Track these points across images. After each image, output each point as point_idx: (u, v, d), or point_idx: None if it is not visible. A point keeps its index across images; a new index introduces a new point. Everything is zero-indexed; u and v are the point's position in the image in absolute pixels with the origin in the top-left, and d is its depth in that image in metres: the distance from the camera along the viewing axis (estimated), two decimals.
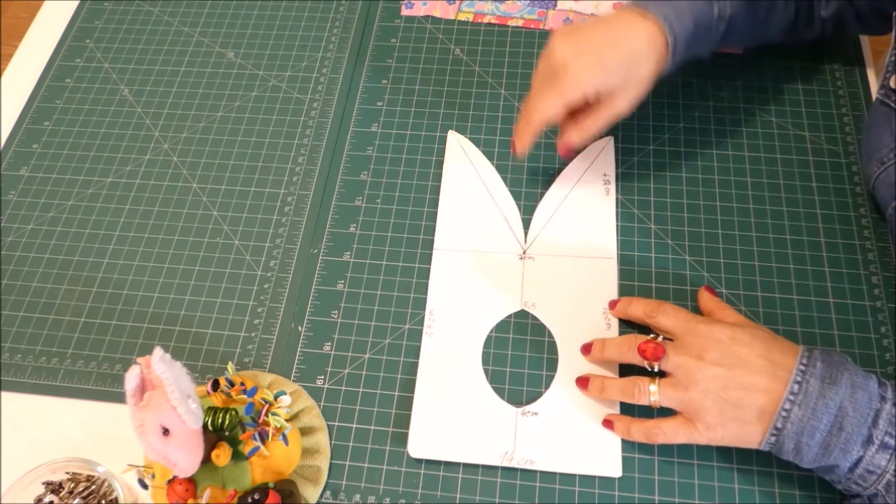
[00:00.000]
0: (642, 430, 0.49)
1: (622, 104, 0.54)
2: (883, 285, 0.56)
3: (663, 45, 0.53)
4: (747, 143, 0.64)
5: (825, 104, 0.65)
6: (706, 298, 0.55)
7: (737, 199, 0.61)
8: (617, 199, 0.61)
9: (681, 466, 0.51)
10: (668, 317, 0.51)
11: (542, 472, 0.51)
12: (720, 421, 0.46)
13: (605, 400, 0.52)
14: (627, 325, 0.56)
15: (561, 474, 0.51)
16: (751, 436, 0.46)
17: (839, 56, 0.68)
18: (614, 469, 0.50)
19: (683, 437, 0.47)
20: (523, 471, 0.51)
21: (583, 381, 0.53)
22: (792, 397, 0.44)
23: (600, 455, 0.51)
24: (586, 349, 0.55)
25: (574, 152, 0.58)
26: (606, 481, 0.51)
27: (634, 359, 0.50)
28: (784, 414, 0.44)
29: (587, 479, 0.51)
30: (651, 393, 0.48)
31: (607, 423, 0.52)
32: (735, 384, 0.46)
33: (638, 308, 0.54)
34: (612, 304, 0.56)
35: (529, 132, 0.55)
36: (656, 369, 0.49)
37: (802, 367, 0.45)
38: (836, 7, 0.59)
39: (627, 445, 0.51)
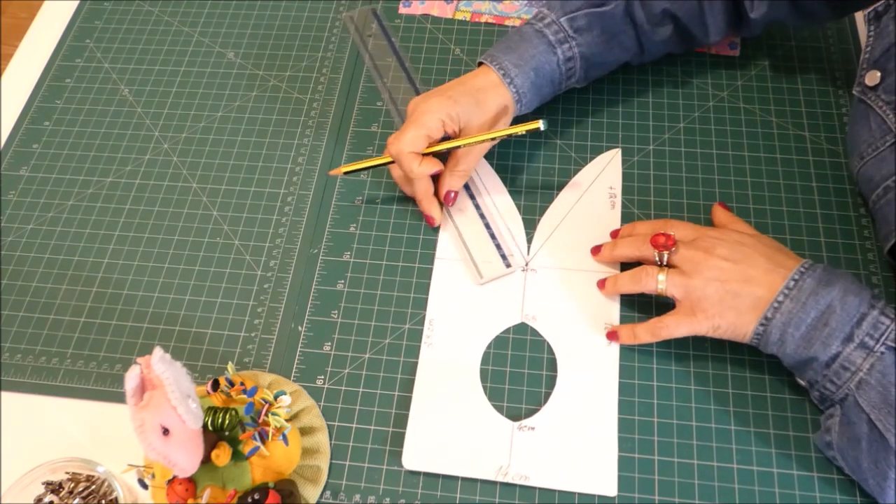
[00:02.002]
0: (647, 329, 0.52)
1: (476, 133, 0.57)
2: (883, 285, 0.56)
3: (507, 89, 0.58)
4: (747, 143, 0.64)
5: (825, 104, 0.65)
6: (720, 213, 0.58)
7: (737, 199, 0.61)
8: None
9: (681, 466, 0.51)
10: (678, 228, 0.54)
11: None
12: (719, 310, 0.49)
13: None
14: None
15: None
16: (744, 326, 0.49)
17: (839, 56, 0.68)
18: (610, 488, 0.50)
19: (686, 327, 0.50)
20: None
21: (601, 283, 0.57)
22: (786, 291, 0.48)
23: (596, 473, 0.50)
24: (596, 250, 0.58)
25: (456, 196, 0.60)
26: None
27: (647, 250, 0.53)
28: (776, 305, 0.47)
29: None
30: (659, 281, 0.51)
31: (612, 335, 0.54)
32: (737, 276, 0.49)
33: (646, 227, 0.56)
34: (615, 234, 0.59)
35: (415, 170, 0.56)
36: (665, 261, 0.52)
37: (803, 270, 0.48)
38: (767, 6, 0.59)
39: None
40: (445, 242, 0.60)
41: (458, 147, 0.58)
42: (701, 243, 0.51)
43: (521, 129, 0.57)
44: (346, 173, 0.61)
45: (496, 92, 0.58)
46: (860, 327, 0.46)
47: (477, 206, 0.61)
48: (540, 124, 0.56)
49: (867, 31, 0.55)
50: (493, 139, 0.58)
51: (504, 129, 0.58)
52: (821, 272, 0.48)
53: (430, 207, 0.60)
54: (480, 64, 0.60)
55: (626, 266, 0.57)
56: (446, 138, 0.58)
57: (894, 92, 0.51)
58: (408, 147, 0.56)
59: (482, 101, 0.58)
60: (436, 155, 0.58)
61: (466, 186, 0.62)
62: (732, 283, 0.49)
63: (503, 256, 0.58)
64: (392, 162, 0.59)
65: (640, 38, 0.62)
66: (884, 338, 0.45)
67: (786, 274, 0.48)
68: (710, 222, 0.60)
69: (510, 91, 0.58)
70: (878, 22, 0.54)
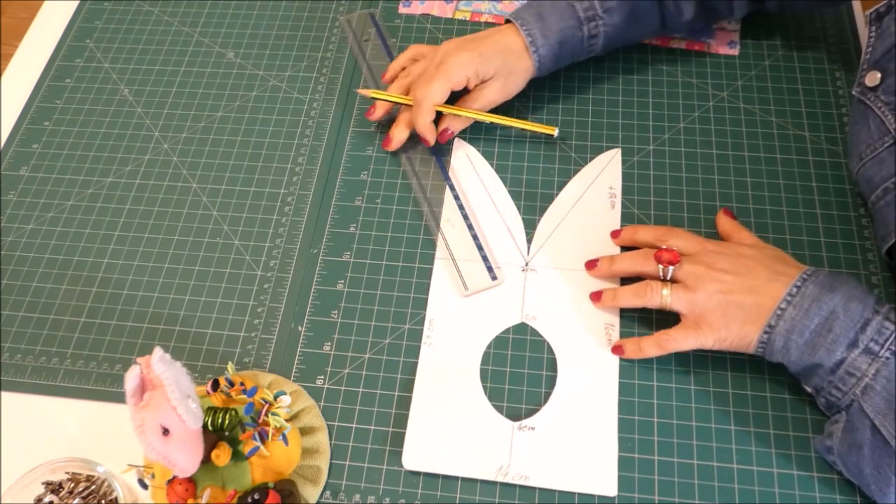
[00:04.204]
0: (653, 343, 0.52)
1: (492, 89, 0.62)
2: (883, 285, 0.56)
3: (531, 57, 0.62)
4: (747, 143, 0.64)
5: (825, 104, 0.65)
6: (724, 221, 0.58)
7: (737, 199, 0.61)
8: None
9: (681, 466, 0.51)
10: (680, 239, 0.54)
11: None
12: (723, 322, 0.49)
13: (605, 407, 0.53)
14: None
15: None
16: (748, 336, 0.49)
17: (839, 56, 0.68)
18: (610, 488, 0.50)
19: (692, 341, 0.50)
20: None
21: (596, 295, 0.56)
22: (789, 298, 0.48)
23: (596, 473, 0.50)
24: (591, 264, 0.57)
25: (452, 135, 0.64)
26: None
27: (649, 266, 0.53)
28: (779, 313, 0.48)
29: None
30: (664, 296, 0.51)
31: (617, 350, 0.54)
32: (739, 287, 0.49)
33: (647, 233, 0.56)
34: (616, 234, 0.59)
35: (426, 118, 0.61)
36: (669, 276, 0.52)
37: (805, 276, 0.48)
38: None
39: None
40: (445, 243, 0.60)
41: (470, 116, 0.63)
42: (703, 258, 0.52)
43: (534, 127, 0.63)
44: (372, 97, 0.65)
45: (521, 55, 0.62)
46: (864, 332, 0.45)
47: (465, 217, 0.61)
48: (555, 131, 0.63)
49: (868, 32, 0.55)
50: (504, 123, 0.63)
51: (518, 122, 0.63)
52: (824, 278, 0.48)
53: (401, 135, 0.64)
54: (508, 21, 0.63)
55: (624, 279, 0.57)
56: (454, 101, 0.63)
57: (893, 93, 0.51)
58: (433, 98, 0.60)
59: (509, 62, 0.61)
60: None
61: (456, 197, 0.62)
62: (735, 294, 0.49)
63: (489, 269, 0.58)
64: (409, 103, 0.63)
65: (665, 17, 0.64)
66: (888, 343, 0.45)
67: (788, 281, 0.48)
68: (710, 222, 0.60)
69: (533, 59, 0.62)
70: (879, 23, 0.54)
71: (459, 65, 0.60)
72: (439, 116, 0.63)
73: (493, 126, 0.66)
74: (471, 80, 0.61)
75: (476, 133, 0.66)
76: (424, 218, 0.62)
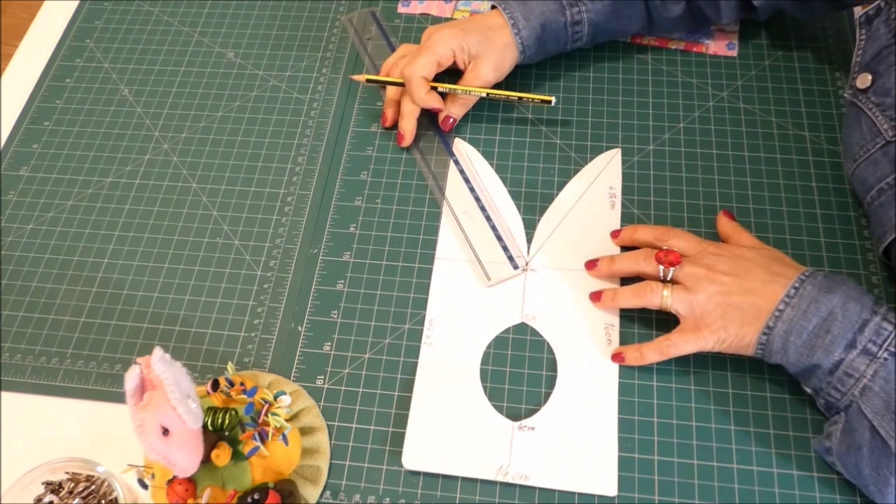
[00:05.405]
0: (655, 349, 0.52)
1: (485, 67, 0.62)
2: (883, 285, 0.56)
3: (513, 38, 0.63)
4: (747, 143, 0.64)
5: (825, 104, 0.65)
6: (724, 223, 0.58)
7: (737, 199, 0.61)
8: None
9: (681, 466, 0.51)
10: (679, 239, 0.54)
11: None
12: (722, 323, 0.49)
13: (604, 414, 0.53)
14: (627, 339, 0.56)
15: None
16: (747, 337, 0.49)
17: (839, 56, 0.68)
18: (610, 488, 0.50)
19: (693, 344, 0.50)
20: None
21: (596, 295, 0.56)
22: (787, 299, 0.48)
23: (596, 473, 0.50)
24: (591, 264, 0.57)
25: (454, 123, 0.65)
26: None
27: (649, 266, 0.53)
28: (777, 314, 0.48)
29: None
30: (664, 297, 0.51)
31: (618, 357, 0.53)
32: (738, 289, 0.49)
33: (647, 233, 0.56)
34: (615, 234, 0.59)
35: (420, 91, 0.61)
36: (669, 277, 0.52)
37: (803, 278, 0.48)
38: None
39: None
40: (445, 242, 0.60)
41: (466, 91, 0.63)
42: (702, 259, 0.52)
43: (531, 96, 0.63)
44: (367, 80, 0.66)
45: (504, 33, 0.63)
46: (862, 333, 0.45)
47: (483, 209, 0.61)
48: (552, 100, 0.63)
49: (858, 35, 0.55)
50: (501, 95, 0.63)
51: (514, 93, 0.63)
52: (822, 279, 0.48)
53: (409, 125, 0.64)
54: (493, 7, 0.64)
55: (624, 279, 0.57)
56: (446, 82, 0.63)
57: (884, 95, 0.52)
58: (420, 71, 0.61)
59: (491, 38, 0.62)
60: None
61: (472, 188, 0.62)
62: (734, 296, 0.49)
63: (510, 258, 0.58)
64: (403, 84, 0.63)
65: (651, 12, 0.64)
66: (886, 343, 0.45)
67: (785, 283, 0.48)
68: (710, 222, 0.60)
69: (515, 40, 0.62)
70: (869, 25, 0.54)
71: (442, 39, 0.61)
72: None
73: (492, 124, 0.66)
74: (458, 55, 0.62)
75: (476, 133, 0.66)
76: (442, 212, 0.62)
